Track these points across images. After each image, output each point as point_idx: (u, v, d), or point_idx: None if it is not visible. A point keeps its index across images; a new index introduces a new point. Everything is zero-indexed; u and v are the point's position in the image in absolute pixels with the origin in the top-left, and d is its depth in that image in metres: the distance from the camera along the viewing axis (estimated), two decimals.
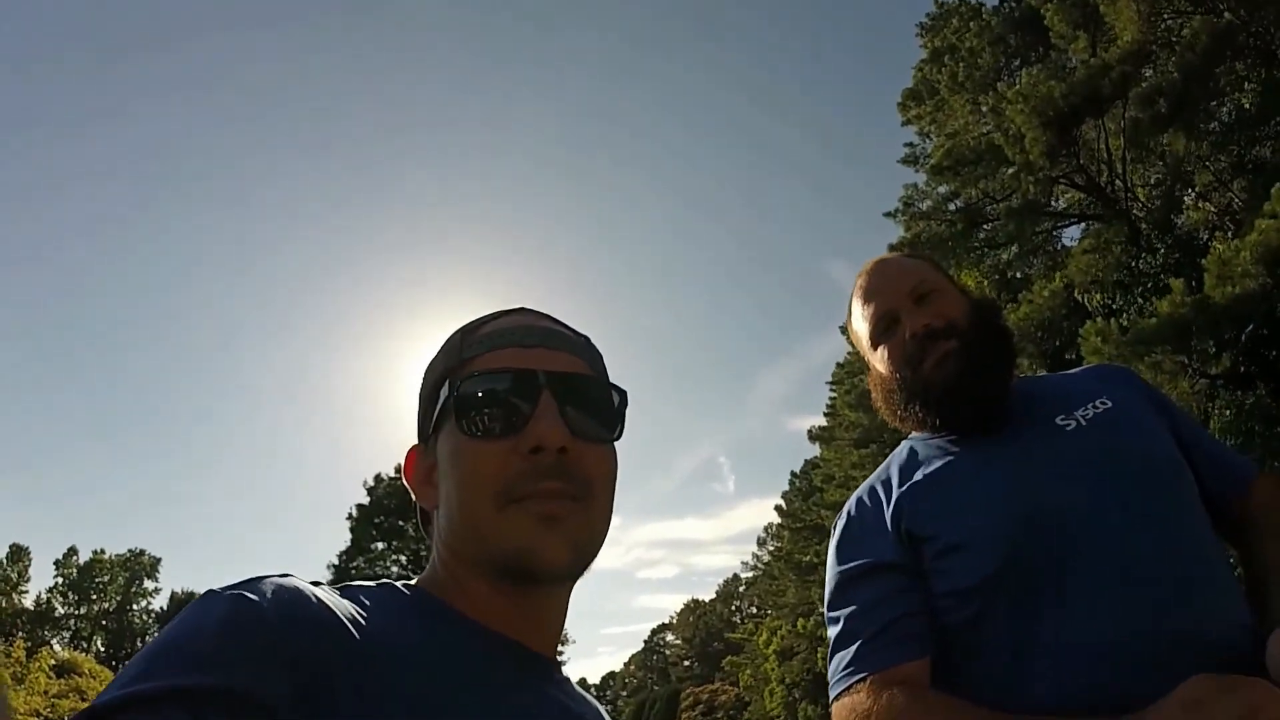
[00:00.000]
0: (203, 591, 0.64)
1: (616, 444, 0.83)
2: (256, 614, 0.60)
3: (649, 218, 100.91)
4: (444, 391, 0.79)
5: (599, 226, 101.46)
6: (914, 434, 1.40)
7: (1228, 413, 13.74)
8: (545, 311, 0.89)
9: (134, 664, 0.56)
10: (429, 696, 0.64)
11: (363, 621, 0.65)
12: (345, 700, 0.58)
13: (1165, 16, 15.48)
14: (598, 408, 0.81)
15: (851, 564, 1.25)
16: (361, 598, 0.70)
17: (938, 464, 1.28)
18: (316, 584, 0.68)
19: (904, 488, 1.27)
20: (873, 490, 1.33)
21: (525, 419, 0.75)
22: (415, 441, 0.87)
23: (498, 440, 0.75)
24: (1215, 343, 14.01)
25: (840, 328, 28.67)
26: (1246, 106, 15.37)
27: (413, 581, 0.80)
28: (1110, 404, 1.27)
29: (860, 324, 1.41)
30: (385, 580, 0.78)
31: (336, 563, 30.48)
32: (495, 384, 0.77)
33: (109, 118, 73.92)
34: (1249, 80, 15.26)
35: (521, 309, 0.87)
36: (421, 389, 0.86)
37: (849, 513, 1.34)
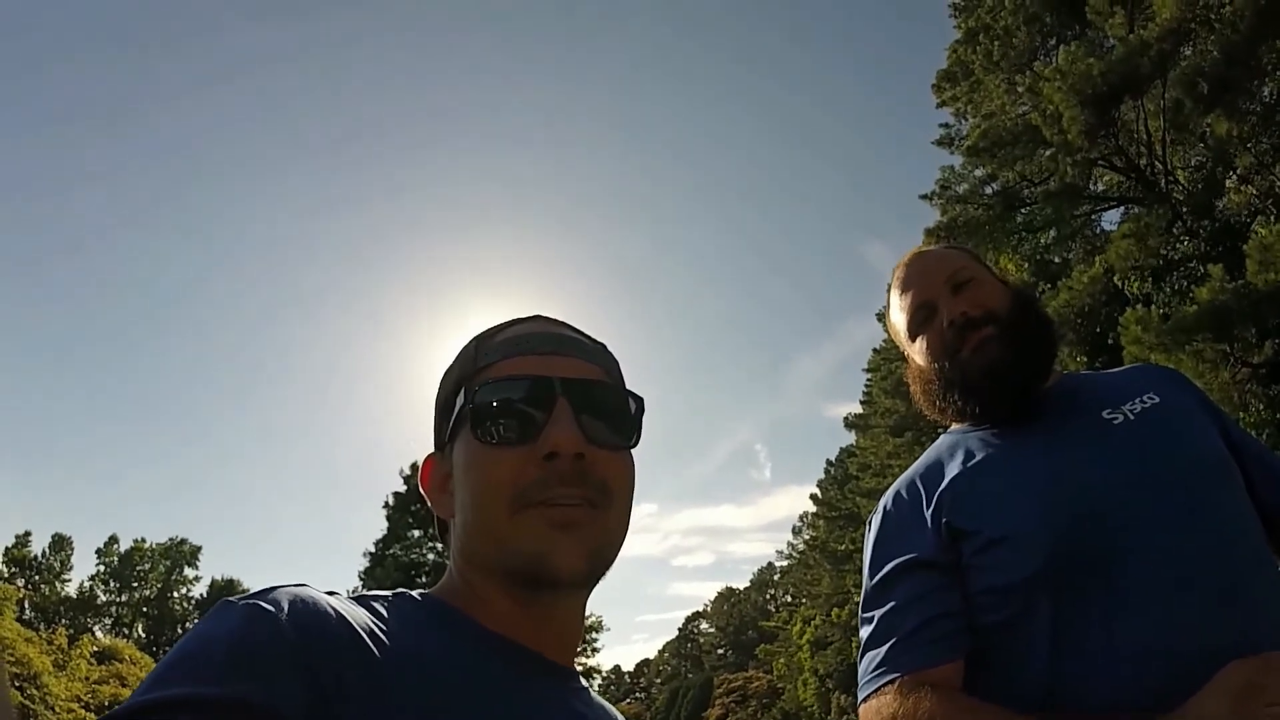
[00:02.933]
0: (220, 601, 0.65)
1: (634, 451, 0.82)
2: (271, 624, 0.59)
3: (686, 203, 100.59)
4: (459, 400, 0.79)
5: (637, 213, 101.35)
6: (954, 426, 1.36)
7: (1260, 405, 13.46)
8: (561, 319, 0.88)
9: (152, 674, 0.57)
10: (445, 707, 0.63)
11: (378, 631, 0.65)
12: (360, 712, 0.58)
13: None
14: (614, 414, 0.80)
15: (888, 561, 1.21)
16: (377, 607, 0.70)
17: (980, 456, 1.23)
18: (332, 594, 0.68)
19: (945, 481, 1.22)
20: (911, 484, 1.28)
21: (541, 426, 0.74)
22: (432, 449, 0.86)
23: (513, 447, 0.74)
24: (1257, 331, 13.66)
25: (877, 315, 28.96)
26: None
27: (429, 590, 0.80)
28: (1159, 399, 1.23)
29: (898, 315, 1.38)
30: (400, 590, 0.77)
31: (374, 549, 30.92)
32: (510, 391, 0.76)
33: (139, 109, 75.03)
34: None
35: (537, 316, 0.86)
36: (437, 397, 0.86)
37: (885, 508, 1.29)
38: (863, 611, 1.23)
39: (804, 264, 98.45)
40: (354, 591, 0.72)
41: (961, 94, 21.19)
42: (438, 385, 0.87)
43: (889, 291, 1.42)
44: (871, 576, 1.22)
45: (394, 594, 0.75)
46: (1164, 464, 1.13)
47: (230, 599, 0.63)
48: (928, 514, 1.21)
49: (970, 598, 1.15)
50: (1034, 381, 1.25)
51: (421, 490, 0.85)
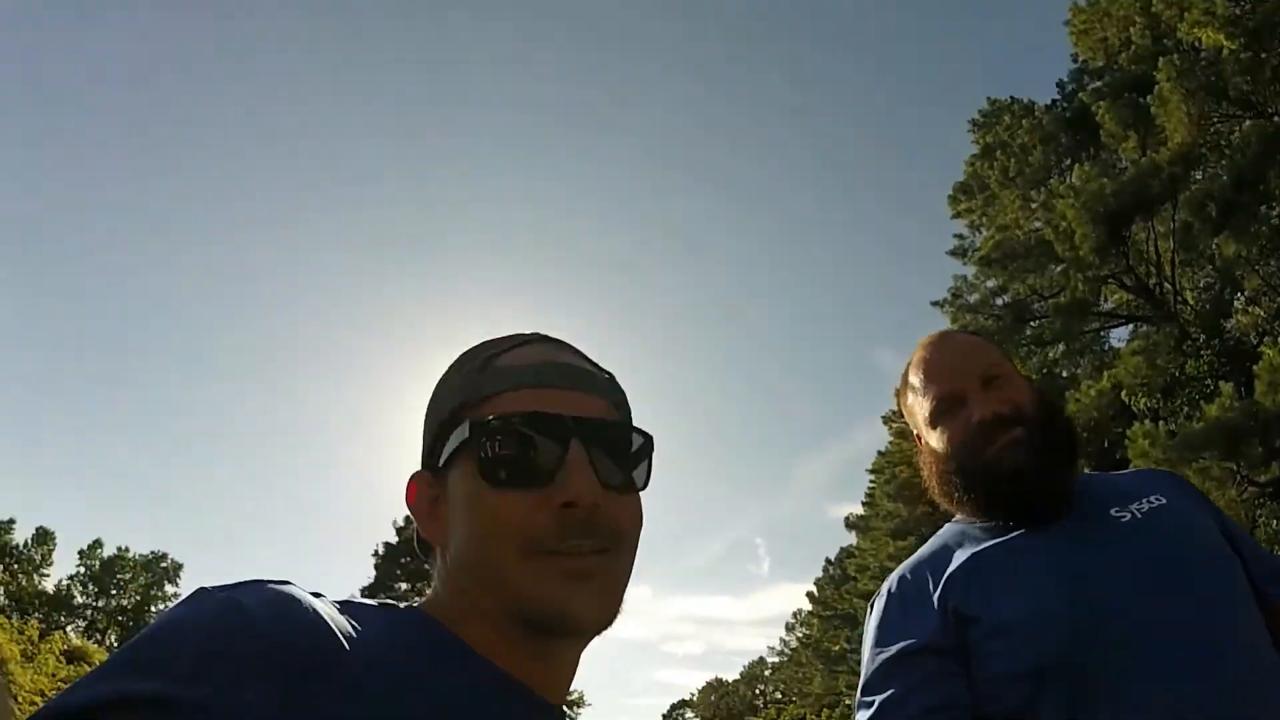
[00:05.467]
0: (197, 588, 0.62)
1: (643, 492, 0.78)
2: (244, 621, 0.57)
3: (698, 293, 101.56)
4: (463, 431, 0.73)
5: (653, 302, 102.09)
6: (960, 517, 1.35)
7: (1274, 522, 13.41)
8: (564, 341, 0.82)
9: (119, 656, 0.55)
10: None
11: (359, 642, 0.62)
12: (328, 718, 0.56)
13: (1215, 120, 15.63)
14: (626, 456, 0.76)
15: (890, 645, 1.19)
16: (362, 616, 0.66)
17: (988, 545, 1.24)
18: (317, 595, 0.65)
19: (953, 566, 1.23)
20: (917, 568, 1.28)
21: (553, 469, 0.70)
22: (419, 468, 0.80)
23: (525, 491, 0.70)
24: (1265, 449, 13.65)
25: (883, 417, 28.77)
26: None
27: (415, 604, 0.75)
28: (1164, 500, 1.25)
29: (918, 399, 1.35)
30: (387, 601, 0.73)
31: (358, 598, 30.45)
32: (521, 429, 0.71)
33: (156, 120, 76.70)
34: None
35: (540, 337, 0.81)
36: (431, 414, 0.80)
37: (889, 590, 1.28)
38: (861, 695, 1.20)
39: (814, 363, 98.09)
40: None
41: (976, 207, 21.65)
42: (432, 397, 0.81)
43: (908, 371, 1.39)
44: (872, 660, 1.20)
45: (379, 604, 0.71)
46: (1170, 562, 1.15)
47: (207, 587, 0.61)
48: (934, 598, 1.20)
49: (974, 686, 1.13)
50: (1058, 488, 1.25)
51: (408, 509, 0.79)
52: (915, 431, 1.40)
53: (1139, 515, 1.22)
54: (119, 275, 70.87)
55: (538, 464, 0.71)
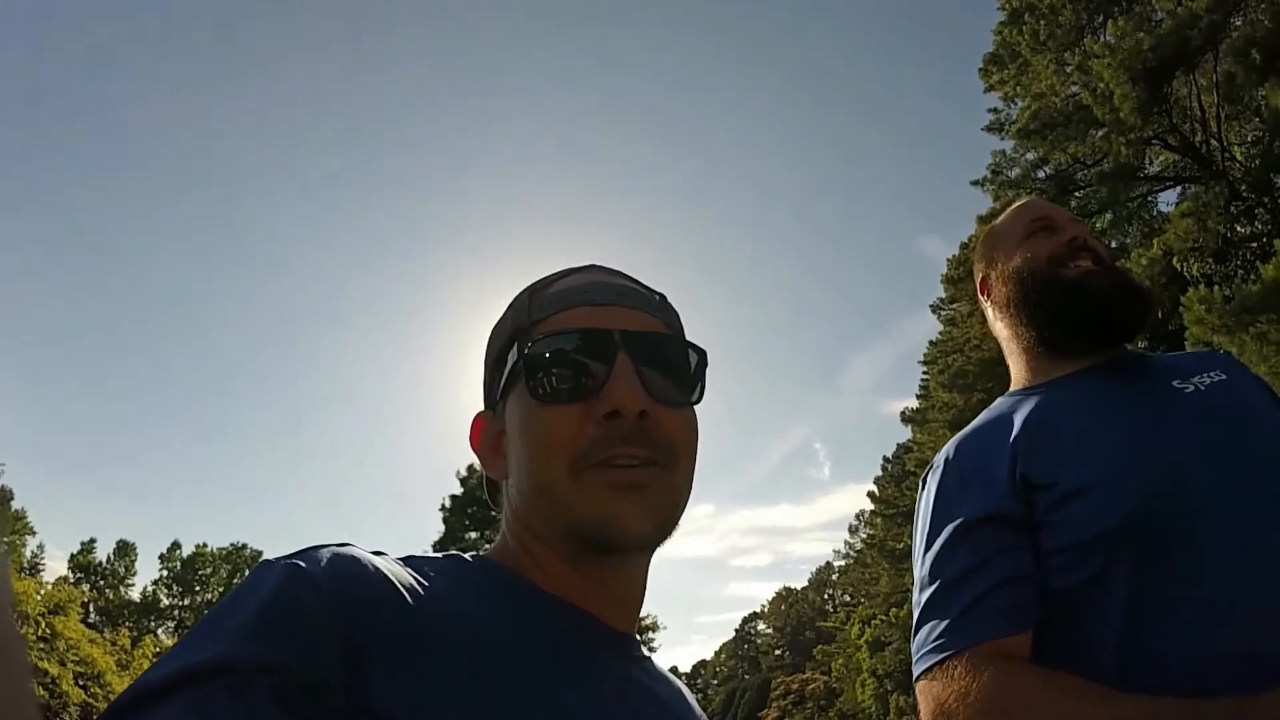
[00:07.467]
0: (260, 560, 0.62)
1: (697, 408, 0.78)
2: (309, 584, 0.57)
3: (735, 203, 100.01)
4: (512, 355, 0.76)
5: (687, 212, 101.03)
6: (1014, 389, 1.32)
7: None
8: (617, 269, 0.83)
9: (189, 634, 0.55)
10: (491, 669, 0.60)
11: (422, 591, 0.62)
12: (399, 674, 0.56)
13: None
14: (676, 369, 0.76)
15: (951, 518, 1.13)
16: (424, 568, 0.67)
17: (1051, 410, 1.19)
18: (379, 553, 0.65)
19: (1018, 430, 1.17)
20: (976, 434, 1.22)
21: (600, 382, 0.70)
22: (482, 409, 0.83)
23: (572, 404, 0.71)
24: None
25: (931, 305, 28.46)
26: None
27: (480, 552, 0.77)
28: (1226, 377, 1.23)
29: (1009, 229, 1.36)
30: (453, 551, 0.74)
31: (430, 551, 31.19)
32: (567, 344, 0.72)
33: (195, 119, 77.02)
34: None
35: (592, 266, 0.82)
36: (487, 353, 0.83)
37: (947, 458, 1.21)
38: (919, 571, 1.15)
39: (857, 259, 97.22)
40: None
41: (1009, 77, 20.70)
42: (488, 339, 0.83)
43: (1001, 216, 1.42)
44: (932, 536, 1.14)
45: (445, 555, 0.72)
46: (1239, 430, 1.12)
47: (270, 559, 0.61)
48: (999, 465, 1.15)
49: (1043, 558, 1.08)
50: (1132, 321, 1.25)
51: (472, 450, 0.82)
52: (993, 259, 1.38)
53: (1201, 388, 1.20)
54: (164, 275, 71.97)
55: (586, 378, 0.71)
